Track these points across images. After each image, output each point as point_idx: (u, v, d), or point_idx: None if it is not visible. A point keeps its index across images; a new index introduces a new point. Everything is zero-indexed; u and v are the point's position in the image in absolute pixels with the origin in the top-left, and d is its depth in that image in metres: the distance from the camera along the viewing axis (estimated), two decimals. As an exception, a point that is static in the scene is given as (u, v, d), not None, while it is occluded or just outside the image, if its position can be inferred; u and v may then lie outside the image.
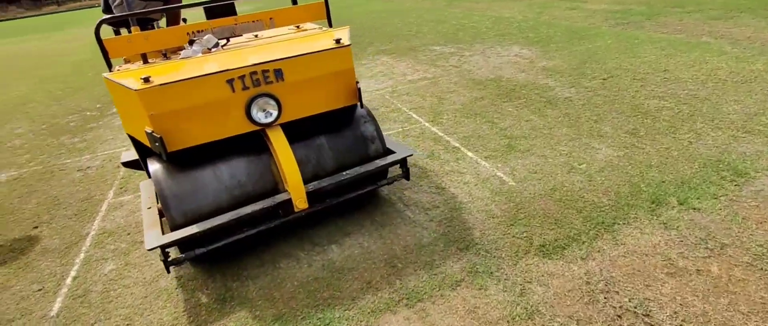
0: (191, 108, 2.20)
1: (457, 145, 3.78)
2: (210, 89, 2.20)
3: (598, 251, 2.35)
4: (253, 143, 2.50)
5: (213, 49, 2.92)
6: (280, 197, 2.40)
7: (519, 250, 2.42)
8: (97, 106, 6.67)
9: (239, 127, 2.33)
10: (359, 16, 13.21)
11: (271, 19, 3.10)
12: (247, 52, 2.64)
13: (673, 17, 7.60)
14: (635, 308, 1.98)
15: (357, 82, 2.56)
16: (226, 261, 2.61)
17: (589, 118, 3.99)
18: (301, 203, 2.37)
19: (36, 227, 3.30)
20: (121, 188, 3.79)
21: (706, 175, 2.89)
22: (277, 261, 2.57)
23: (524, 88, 5.03)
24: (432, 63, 6.64)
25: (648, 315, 1.94)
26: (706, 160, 3.06)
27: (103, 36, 2.58)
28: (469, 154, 3.59)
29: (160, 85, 2.12)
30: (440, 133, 4.05)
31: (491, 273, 2.29)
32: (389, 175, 2.96)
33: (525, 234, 2.55)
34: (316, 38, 2.74)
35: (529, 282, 2.20)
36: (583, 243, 2.42)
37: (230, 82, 2.22)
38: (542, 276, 2.23)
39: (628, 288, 2.09)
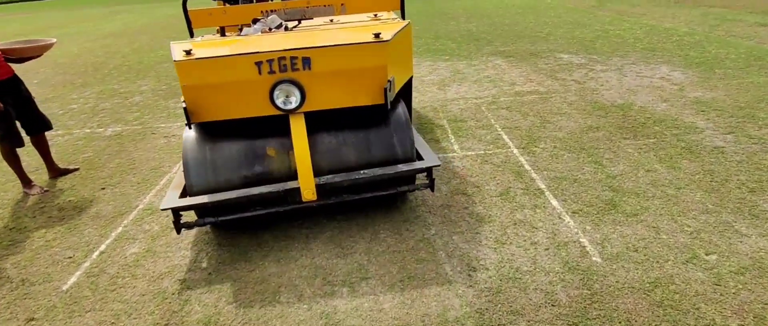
0: (219, 84, 2.28)
1: (542, 186, 3.03)
2: (239, 69, 2.26)
3: None
4: (283, 126, 2.46)
5: (274, 30, 3.09)
6: (290, 184, 2.38)
7: (573, 369, 1.72)
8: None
9: (263, 109, 2.36)
10: (490, 10, 12.27)
11: (342, 5, 3.19)
12: (292, 36, 2.65)
13: None
14: None
15: (391, 81, 2.41)
16: (227, 279, 2.36)
17: (743, 185, 2.89)
18: (308, 194, 2.34)
19: (103, 188, 3.47)
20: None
21: None
22: (279, 293, 2.23)
23: (660, 123, 3.94)
24: (551, 74, 5.69)
25: None
26: None
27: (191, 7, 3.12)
28: (553, 202, 2.83)
29: (196, 59, 2.22)
30: (527, 166, 3.31)
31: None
32: (419, 182, 2.68)
33: (590, 346, 1.82)
34: (364, 30, 2.63)
35: None
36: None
37: (259, 64, 2.25)
38: None
39: None
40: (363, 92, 2.39)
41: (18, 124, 3.40)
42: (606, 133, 3.82)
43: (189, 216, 2.67)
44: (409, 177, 2.63)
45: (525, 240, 2.49)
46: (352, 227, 2.70)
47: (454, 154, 3.61)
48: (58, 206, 3.24)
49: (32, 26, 16.28)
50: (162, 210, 2.30)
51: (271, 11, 3.33)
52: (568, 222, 2.63)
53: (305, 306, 2.13)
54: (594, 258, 2.31)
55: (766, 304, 1.96)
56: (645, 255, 2.31)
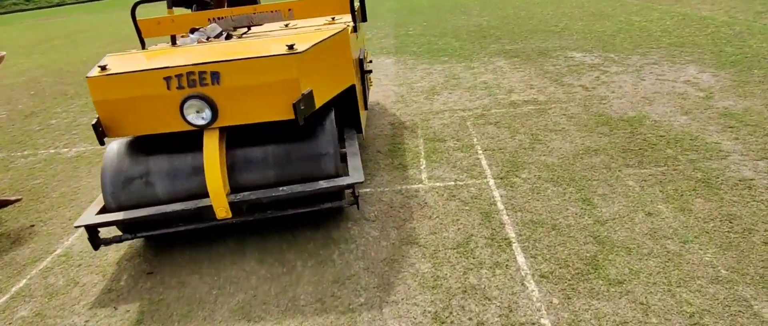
0: (130, 99, 2.26)
1: (511, 234, 2.48)
2: (148, 84, 2.23)
3: None
4: (201, 142, 2.36)
5: (212, 39, 2.96)
6: (202, 202, 2.31)
7: None
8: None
9: (175, 124, 2.30)
10: (506, 0, 11.44)
11: (289, 10, 3.08)
12: (207, 49, 2.59)
13: None
14: None
15: (305, 94, 2.26)
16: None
17: (772, 238, 2.24)
18: (221, 212, 2.29)
19: (32, 225, 3.16)
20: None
21: None
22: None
23: (674, 144, 3.27)
24: (557, 78, 5.02)
25: None
26: None
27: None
28: (520, 259, 2.28)
29: (107, 75, 2.23)
30: (500, 205, 2.76)
31: None
32: (349, 199, 2.56)
33: None
34: (281, 41, 2.47)
35: None
36: None
37: (167, 79, 2.21)
38: None
39: None
40: (275, 107, 2.27)
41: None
42: (605, 157, 3.19)
43: (112, 232, 2.56)
44: (336, 193, 2.51)
45: (470, 319, 1.96)
46: (271, 288, 2.26)
47: (420, 185, 3.10)
48: (-23, 249, 2.97)
49: (61, 30, 16.64)
50: (75, 227, 2.32)
51: (219, 18, 3.23)
52: (532, 291, 2.08)
53: None
54: (554, 352, 1.77)
55: None
56: (623, 350, 1.75)
